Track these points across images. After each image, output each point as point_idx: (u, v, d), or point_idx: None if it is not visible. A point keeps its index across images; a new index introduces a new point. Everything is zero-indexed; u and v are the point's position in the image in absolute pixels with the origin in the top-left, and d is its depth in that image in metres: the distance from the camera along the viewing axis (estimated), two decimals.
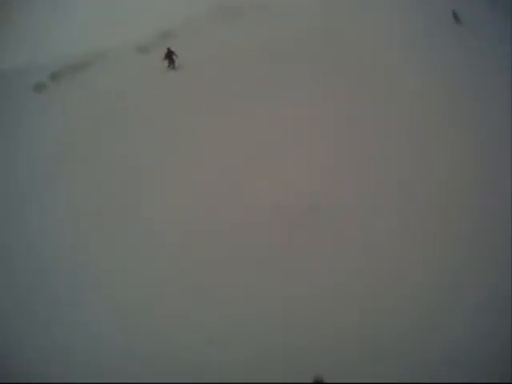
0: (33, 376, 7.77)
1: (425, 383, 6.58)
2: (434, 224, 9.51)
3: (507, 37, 14.50)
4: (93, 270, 10.14)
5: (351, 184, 11.04)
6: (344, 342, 7.65)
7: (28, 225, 11.74)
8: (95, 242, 10.87)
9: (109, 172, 13.04)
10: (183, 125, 14.02)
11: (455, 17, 17.73)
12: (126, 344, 8.41)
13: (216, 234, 10.30)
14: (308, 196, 10.77)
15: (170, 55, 17.73)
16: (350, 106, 13.71)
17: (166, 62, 17.87)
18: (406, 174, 11.13)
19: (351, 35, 17.08)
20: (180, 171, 12.52)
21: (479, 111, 12.68)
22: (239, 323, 8.41)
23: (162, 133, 14.01)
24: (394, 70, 14.97)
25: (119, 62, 18.02)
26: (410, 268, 8.64)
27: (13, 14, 19.90)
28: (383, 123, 12.95)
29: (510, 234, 8.64)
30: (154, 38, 18.58)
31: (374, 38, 16.73)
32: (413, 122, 12.88)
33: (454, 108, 13.00)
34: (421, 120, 12.82)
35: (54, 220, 11.79)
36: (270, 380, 7.19)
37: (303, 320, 8.23)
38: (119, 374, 7.73)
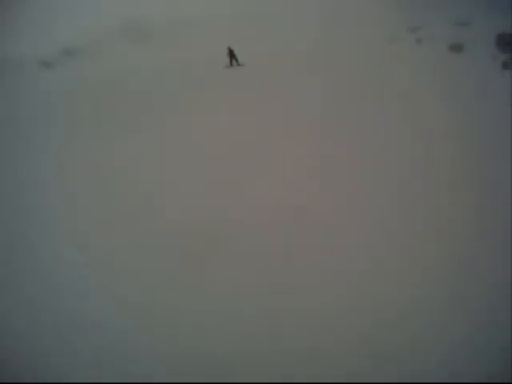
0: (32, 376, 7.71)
1: (425, 383, 6.54)
2: (434, 227, 9.45)
3: None
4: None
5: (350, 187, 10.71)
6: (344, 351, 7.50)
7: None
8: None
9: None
10: None
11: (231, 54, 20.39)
12: (126, 343, 8.35)
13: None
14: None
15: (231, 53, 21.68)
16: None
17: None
18: (406, 174, 11.20)
19: None
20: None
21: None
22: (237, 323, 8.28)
23: None
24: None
25: None
26: (409, 269, 8.57)
27: None
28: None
29: (509, 233, 8.60)
30: None
31: None
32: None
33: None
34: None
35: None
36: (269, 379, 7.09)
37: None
38: (119, 373, 7.68)
